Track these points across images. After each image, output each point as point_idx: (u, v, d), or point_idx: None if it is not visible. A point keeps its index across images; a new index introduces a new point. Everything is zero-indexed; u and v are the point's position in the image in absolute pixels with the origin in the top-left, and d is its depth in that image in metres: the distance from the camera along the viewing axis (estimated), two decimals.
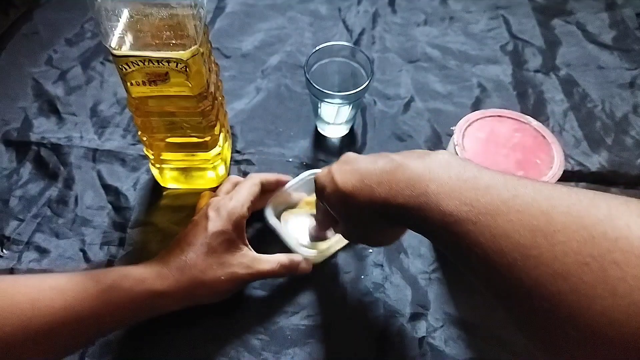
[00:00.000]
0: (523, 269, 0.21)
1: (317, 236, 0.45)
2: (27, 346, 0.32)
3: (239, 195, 0.43)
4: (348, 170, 0.33)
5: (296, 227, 0.47)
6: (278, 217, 0.47)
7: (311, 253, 0.44)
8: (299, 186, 0.47)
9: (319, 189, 0.36)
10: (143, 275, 0.37)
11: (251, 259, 0.41)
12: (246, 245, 0.42)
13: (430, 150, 0.31)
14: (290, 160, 0.54)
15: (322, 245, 0.45)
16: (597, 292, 0.19)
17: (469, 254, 0.25)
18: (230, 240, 0.40)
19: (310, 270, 0.44)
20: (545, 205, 0.22)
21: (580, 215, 0.21)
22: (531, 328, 0.22)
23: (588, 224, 0.20)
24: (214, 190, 0.48)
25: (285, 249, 0.44)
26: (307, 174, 0.47)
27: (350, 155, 0.35)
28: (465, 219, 0.24)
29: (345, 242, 0.46)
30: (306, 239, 0.46)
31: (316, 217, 0.43)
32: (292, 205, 0.49)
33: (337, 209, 0.35)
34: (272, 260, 0.41)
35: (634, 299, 0.18)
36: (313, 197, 0.42)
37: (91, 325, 0.35)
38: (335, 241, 0.45)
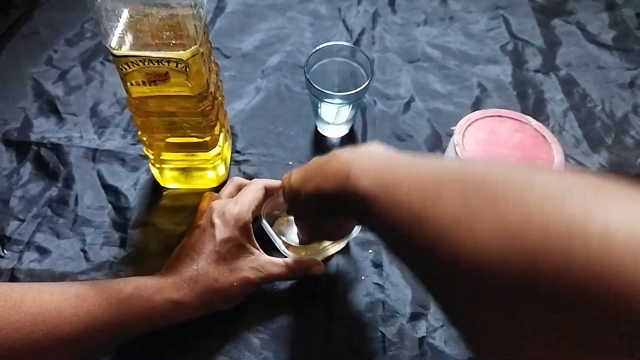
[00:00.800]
0: (418, 233, 0.23)
1: (301, 241, 0.45)
2: (52, 353, 0.33)
3: (244, 200, 0.43)
4: (299, 171, 0.36)
5: (293, 230, 0.47)
6: (273, 221, 0.47)
7: (303, 256, 0.44)
8: None
9: (282, 192, 0.38)
10: (160, 285, 0.38)
11: (262, 263, 0.41)
12: (257, 249, 0.42)
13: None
14: (290, 163, 0.54)
15: (316, 249, 0.45)
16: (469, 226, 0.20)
17: (384, 230, 0.27)
18: (238, 245, 0.41)
19: (323, 272, 0.44)
20: (436, 173, 0.24)
21: (463, 176, 0.23)
22: (445, 294, 0.23)
23: (464, 177, 0.22)
24: (216, 191, 0.48)
25: (279, 252, 0.44)
26: None
27: (314, 159, 0.37)
28: (376, 195, 0.26)
29: (341, 245, 0.46)
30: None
31: (295, 221, 0.44)
32: (284, 218, 0.49)
33: (292, 207, 0.38)
34: (283, 264, 0.42)
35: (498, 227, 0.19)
36: None
37: (112, 333, 0.36)
38: (329, 246, 0.45)
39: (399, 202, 0.24)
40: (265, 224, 0.45)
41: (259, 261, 0.41)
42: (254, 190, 0.44)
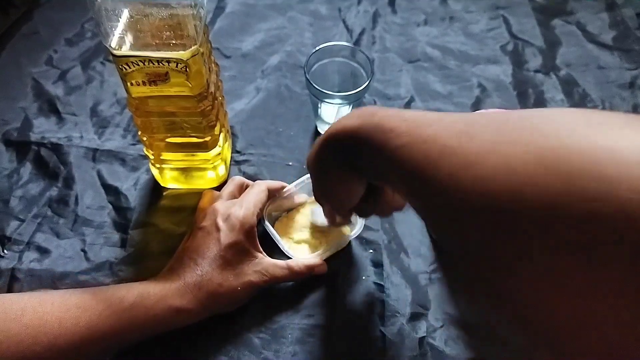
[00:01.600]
0: (445, 165, 0.22)
1: (328, 221, 0.43)
2: None
3: (248, 204, 0.42)
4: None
5: (299, 228, 0.47)
6: (274, 222, 0.47)
7: (304, 256, 0.44)
8: (298, 189, 0.47)
9: (307, 161, 0.37)
10: (163, 292, 0.37)
11: (265, 266, 0.41)
12: (260, 252, 0.42)
13: None
14: (291, 164, 0.54)
15: (317, 249, 0.45)
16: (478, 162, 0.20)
17: (402, 168, 0.26)
18: (243, 250, 0.41)
19: (325, 271, 0.44)
20: (468, 118, 0.24)
21: (493, 117, 0.23)
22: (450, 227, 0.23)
23: (497, 118, 0.23)
24: (216, 190, 0.48)
25: (282, 252, 0.44)
26: (305, 177, 0.47)
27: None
28: (403, 132, 0.26)
29: (342, 246, 0.46)
30: (311, 242, 0.46)
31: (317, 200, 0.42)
32: (290, 209, 0.49)
33: (313, 174, 0.36)
34: (286, 266, 0.42)
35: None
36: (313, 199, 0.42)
37: (114, 342, 0.36)
38: (330, 245, 0.45)
39: (427, 136, 0.24)
40: (268, 225, 0.45)
41: (262, 264, 0.41)
42: (258, 192, 0.44)
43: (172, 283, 0.38)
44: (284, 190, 0.47)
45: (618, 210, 0.16)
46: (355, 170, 0.32)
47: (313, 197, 0.42)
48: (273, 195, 0.46)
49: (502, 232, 0.19)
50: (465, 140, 0.22)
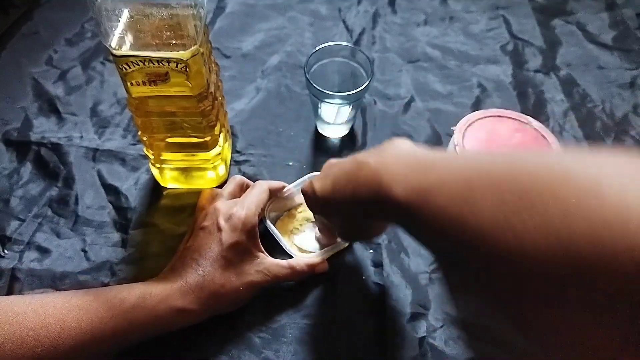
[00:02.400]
0: (457, 237, 0.23)
1: (324, 243, 0.46)
2: None
3: (249, 204, 0.42)
4: (322, 178, 0.36)
5: (298, 230, 0.47)
6: (274, 221, 0.47)
7: (307, 256, 0.44)
8: (298, 190, 0.47)
9: (305, 199, 0.39)
10: (165, 293, 0.37)
11: (267, 266, 0.41)
12: (261, 252, 0.42)
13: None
14: (291, 164, 0.54)
15: (317, 249, 0.45)
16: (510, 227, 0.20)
17: (422, 234, 0.27)
18: (245, 250, 0.41)
19: (327, 270, 0.45)
20: (468, 173, 0.24)
21: (494, 173, 0.23)
22: (484, 290, 0.23)
23: (496, 177, 0.22)
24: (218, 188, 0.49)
25: (284, 251, 0.44)
26: (305, 177, 0.47)
27: (330, 162, 0.38)
28: (411, 202, 0.26)
29: (343, 245, 0.46)
30: (311, 244, 0.46)
31: (317, 225, 0.45)
32: (291, 209, 0.49)
33: (321, 213, 0.39)
34: (287, 265, 0.42)
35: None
36: None
37: (115, 343, 0.36)
38: (332, 245, 0.45)
39: (434, 207, 0.24)
40: (270, 225, 0.45)
41: (264, 264, 0.41)
42: (259, 192, 0.44)
43: (174, 283, 0.38)
44: (285, 190, 0.47)
45: (618, 275, 0.17)
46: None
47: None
48: (274, 195, 0.46)
49: (513, 293, 0.20)
50: (470, 211, 0.22)
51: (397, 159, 0.29)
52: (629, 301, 0.17)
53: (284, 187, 0.47)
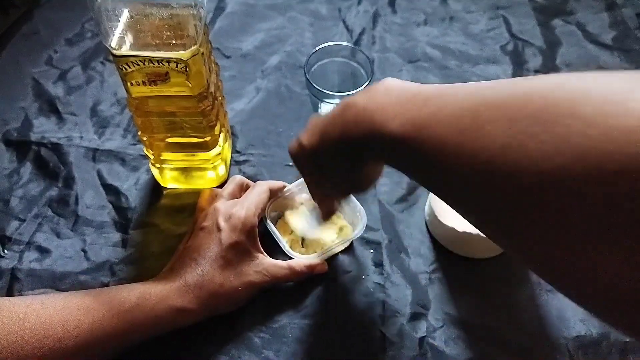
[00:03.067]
0: (460, 166, 0.22)
1: (325, 213, 0.42)
2: None
3: (249, 204, 0.42)
4: (308, 130, 0.33)
5: (299, 225, 0.47)
6: (275, 221, 0.47)
7: (306, 257, 0.44)
8: (299, 189, 0.47)
9: (292, 158, 0.36)
10: (164, 293, 0.37)
11: (266, 266, 0.41)
12: (261, 252, 0.42)
13: None
14: (291, 164, 0.54)
15: (319, 248, 0.45)
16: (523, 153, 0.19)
17: (421, 169, 0.26)
18: (244, 250, 0.41)
19: (326, 271, 0.44)
20: (471, 103, 0.23)
21: (503, 100, 0.22)
22: (501, 218, 0.22)
23: (505, 103, 0.21)
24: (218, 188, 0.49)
25: (283, 252, 0.44)
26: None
27: (314, 118, 0.36)
28: (409, 136, 0.25)
29: (344, 245, 0.46)
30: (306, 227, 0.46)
31: (311, 194, 0.42)
32: (292, 208, 0.49)
33: (310, 168, 0.36)
34: (287, 266, 0.42)
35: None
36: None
37: (116, 343, 0.36)
38: (334, 244, 0.45)
39: (435, 138, 0.23)
40: (270, 224, 0.45)
41: (263, 265, 0.41)
42: (260, 193, 0.44)
43: (173, 283, 0.38)
44: (285, 190, 0.47)
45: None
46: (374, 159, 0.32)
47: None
48: (274, 195, 0.46)
49: (527, 213, 0.20)
50: (476, 137, 0.21)
51: (389, 95, 0.28)
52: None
53: (284, 187, 0.47)
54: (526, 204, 0.20)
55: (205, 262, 0.39)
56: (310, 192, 0.41)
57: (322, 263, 0.44)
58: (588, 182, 0.17)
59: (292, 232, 0.47)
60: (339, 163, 0.33)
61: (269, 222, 0.45)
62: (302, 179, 0.47)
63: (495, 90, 0.23)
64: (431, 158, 0.24)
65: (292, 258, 0.44)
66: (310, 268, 0.43)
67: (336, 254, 0.46)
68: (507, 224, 0.21)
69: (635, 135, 0.16)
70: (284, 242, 0.44)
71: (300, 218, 0.47)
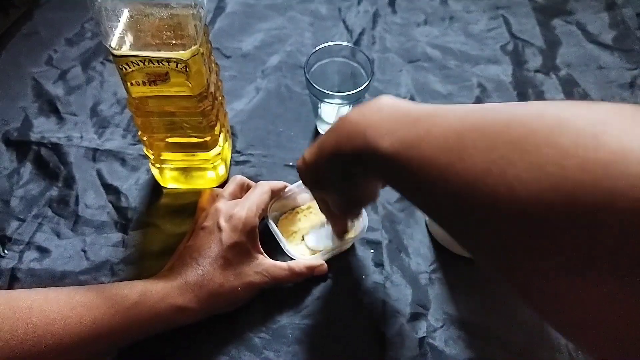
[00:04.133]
0: (445, 187, 0.23)
1: (337, 231, 0.44)
2: None
3: (251, 205, 0.42)
4: (310, 148, 0.34)
5: (301, 228, 0.47)
6: (276, 222, 0.47)
7: (306, 258, 0.44)
8: (300, 190, 0.47)
9: (299, 175, 0.37)
10: (165, 291, 0.38)
11: (266, 267, 0.41)
12: (261, 253, 0.42)
13: None
14: (291, 164, 0.54)
15: (320, 249, 0.45)
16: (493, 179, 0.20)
17: (409, 187, 0.27)
18: (245, 251, 0.41)
19: (326, 271, 0.44)
20: (458, 126, 0.24)
21: (486, 125, 0.22)
22: (476, 237, 0.23)
23: (488, 126, 0.22)
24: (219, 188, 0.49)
25: (284, 252, 0.44)
26: None
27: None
28: (398, 155, 0.25)
29: (345, 247, 0.46)
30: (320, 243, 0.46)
31: (322, 212, 0.42)
32: (294, 208, 0.49)
33: (312, 185, 0.37)
34: (287, 267, 0.42)
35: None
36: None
37: (117, 340, 0.36)
38: (335, 246, 0.45)
39: (422, 158, 0.24)
40: (272, 224, 0.45)
41: (263, 265, 0.41)
42: (261, 193, 0.44)
43: (174, 281, 0.38)
44: (286, 190, 0.47)
45: (614, 218, 0.16)
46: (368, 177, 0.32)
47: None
48: (276, 195, 0.46)
49: (504, 239, 0.20)
50: (460, 159, 0.22)
51: (381, 112, 0.28)
52: (625, 252, 0.16)
53: (285, 187, 0.47)
54: (504, 229, 0.20)
55: (206, 262, 0.39)
56: (320, 210, 0.42)
57: (322, 264, 0.44)
58: (562, 212, 0.18)
59: (293, 232, 0.47)
60: (335, 178, 0.33)
61: (270, 221, 0.45)
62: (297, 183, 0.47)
63: (480, 114, 0.24)
64: (419, 177, 0.24)
65: (292, 259, 0.44)
66: (310, 269, 0.43)
67: (336, 255, 0.46)
68: (487, 247, 0.22)
69: (607, 169, 0.17)
70: (284, 242, 0.44)
71: (318, 233, 0.47)
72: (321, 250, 0.45)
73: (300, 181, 0.46)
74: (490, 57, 0.66)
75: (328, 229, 0.46)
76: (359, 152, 0.28)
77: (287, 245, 0.44)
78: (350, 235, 0.46)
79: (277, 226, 0.46)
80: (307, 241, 0.46)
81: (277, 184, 0.46)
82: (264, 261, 0.42)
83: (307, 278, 0.44)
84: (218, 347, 0.41)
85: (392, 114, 0.28)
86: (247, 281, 0.40)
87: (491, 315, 0.43)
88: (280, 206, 0.47)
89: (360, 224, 0.45)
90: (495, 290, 0.45)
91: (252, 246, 0.41)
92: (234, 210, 0.42)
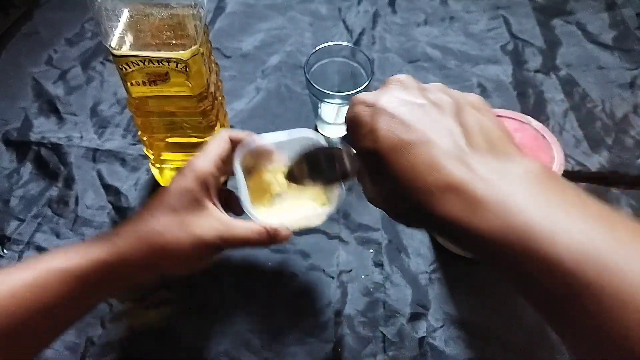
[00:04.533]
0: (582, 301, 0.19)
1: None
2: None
3: (206, 152, 0.38)
4: (398, 132, 0.26)
5: (270, 192, 0.41)
6: (248, 175, 0.40)
7: (270, 220, 0.37)
8: (283, 144, 0.40)
9: (351, 130, 0.28)
10: (114, 240, 0.34)
11: (221, 222, 0.36)
12: (215, 205, 0.37)
13: None
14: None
15: (283, 216, 0.39)
16: None
17: (567, 310, 0.20)
18: (192, 199, 0.36)
19: (289, 240, 0.38)
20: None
21: None
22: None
23: None
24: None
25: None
26: (297, 132, 0.40)
27: (394, 99, 0.28)
28: (586, 279, 0.18)
29: (313, 223, 0.41)
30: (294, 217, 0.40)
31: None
32: (267, 163, 0.41)
33: (366, 162, 0.28)
34: (247, 226, 0.36)
35: None
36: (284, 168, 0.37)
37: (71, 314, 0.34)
38: (301, 216, 0.40)
39: (628, 299, 0.18)
40: (238, 172, 0.39)
41: (217, 220, 0.36)
42: (217, 141, 0.39)
43: (122, 232, 0.35)
44: (271, 139, 0.40)
45: None
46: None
47: (289, 163, 0.37)
48: (237, 144, 0.40)
49: None
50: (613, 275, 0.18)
51: (536, 191, 0.22)
52: None
53: (248, 135, 0.40)
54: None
55: (147, 212, 0.35)
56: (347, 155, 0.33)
57: (285, 230, 0.38)
58: None
59: (264, 193, 0.41)
60: (404, 206, 0.27)
61: (237, 167, 0.39)
62: (281, 136, 0.40)
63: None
64: (605, 315, 0.19)
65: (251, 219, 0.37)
66: (271, 233, 0.37)
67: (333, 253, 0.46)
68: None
69: None
70: (245, 196, 0.38)
71: (281, 179, 0.40)
72: (287, 220, 0.39)
73: (276, 136, 0.40)
74: (490, 57, 0.66)
75: (307, 205, 0.40)
76: (504, 238, 0.21)
77: (248, 203, 0.38)
78: (321, 210, 0.40)
79: (248, 180, 0.40)
80: (276, 205, 0.40)
81: (238, 132, 0.40)
82: (218, 215, 0.36)
83: (308, 277, 0.44)
84: (218, 347, 0.41)
85: (561, 203, 0.21)
86: (195, 234, 0.35)
87: (491, 315, 0.43)
88: (252, 160, 0.41)
89: (334, 202, 0.39)
90: (495, 290, 0.45)
91: (204, 195, 0.36)
92: (188, 161, 0.38)
